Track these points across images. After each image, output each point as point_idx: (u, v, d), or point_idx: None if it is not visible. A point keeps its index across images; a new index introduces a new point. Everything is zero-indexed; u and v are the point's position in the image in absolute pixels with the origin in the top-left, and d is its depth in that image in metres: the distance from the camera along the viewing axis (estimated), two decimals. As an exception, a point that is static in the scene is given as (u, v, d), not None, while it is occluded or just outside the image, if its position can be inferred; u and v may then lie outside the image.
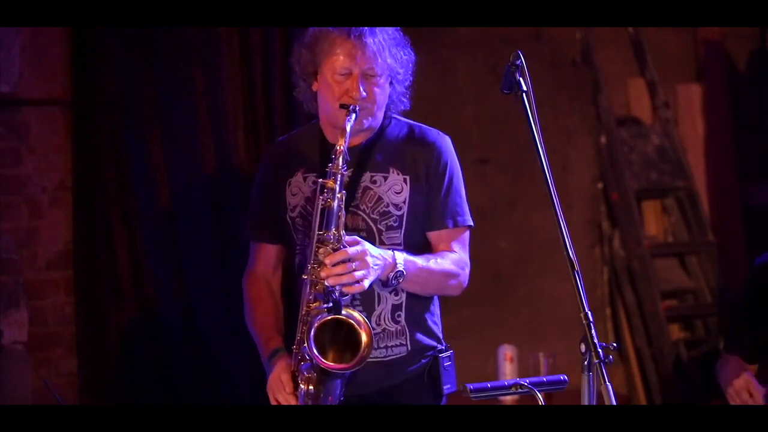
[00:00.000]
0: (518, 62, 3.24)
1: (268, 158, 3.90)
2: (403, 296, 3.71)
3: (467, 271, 3.78)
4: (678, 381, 6.47)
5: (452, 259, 3.73)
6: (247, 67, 5.38)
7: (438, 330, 3.81)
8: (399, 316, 3.71)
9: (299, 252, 3.75)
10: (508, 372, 5.47)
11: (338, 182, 3.55)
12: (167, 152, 5.33)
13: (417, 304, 3.74)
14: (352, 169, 3.67)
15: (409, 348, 3.73)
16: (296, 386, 3.61)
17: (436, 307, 3.82)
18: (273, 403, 3.65)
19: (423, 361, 3.76)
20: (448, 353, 3.79)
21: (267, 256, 3.86)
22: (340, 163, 3.55)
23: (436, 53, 6.28)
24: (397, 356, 3.72)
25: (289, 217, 3.76)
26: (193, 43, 5.34)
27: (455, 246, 3.76)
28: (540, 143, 3.17)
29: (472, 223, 3.80)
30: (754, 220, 6.76)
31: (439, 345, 3.79)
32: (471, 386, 3.23)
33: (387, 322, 3.70)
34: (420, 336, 3.75)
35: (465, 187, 3.80)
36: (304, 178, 3.75)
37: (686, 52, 6.89)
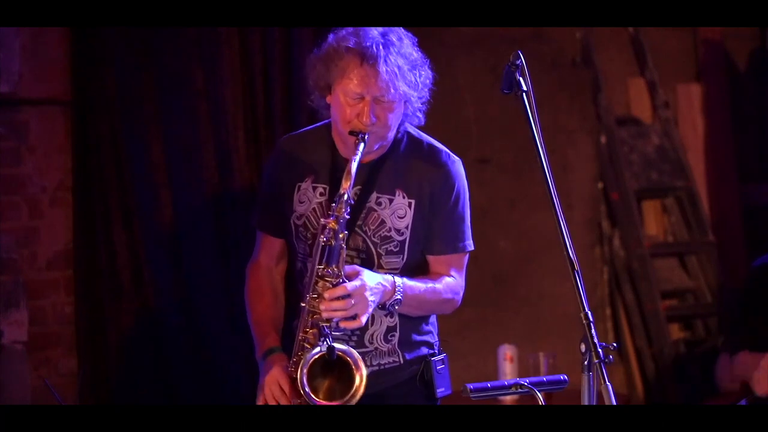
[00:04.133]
0: (518, 62, 3.24)
1: (279, 154, 3.84)
2: (397, 318, 3.71)
3: (462, 293, 3.77)
4: (678, 381, 6.47)
5: (449, 284, 3.72)
6: (247, 67, 5.37)
7: (432, 337, 3.81)
8: (392, 336, 3.71)
9: (300, 260, 3.74)
10: (508, 372, 5.46)
11: (340, 224, 3.52)
12: (167, 152, 5.33)
13: (411, 324, 3.74)
14: (359, 187, 3.65)
15: (401, 363, 3.74)
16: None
17: (433, 317, 3.82)
18: (261, 402, 3.64)
19: (415, 366, 3.76)
20: (441, 357, 3.78)
21: (271, 248, 3.85)
22: (343, 206, 3.53)
23: (436, 53, 6.24)
24: (390, 367, 3.72)
25: (294, 223, 3.74)
26: (193, 43, 5.34)
27: (453, 271, 3.74)
28: (540, 143, 3.17)
29: (473, 248, 3.78)
30: (754, 220, 6.76)
31: (431, 350, 3.79)
32: (471, 386, 3.23)
33: (379, 342, 3.70)
34: (413, 353, 3.75)
35: (470, 210, 3.78)
36: (314, 188, 3.73)
37: (686, 52, 6.89)
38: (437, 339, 3.82)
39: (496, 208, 6.39)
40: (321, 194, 3.70)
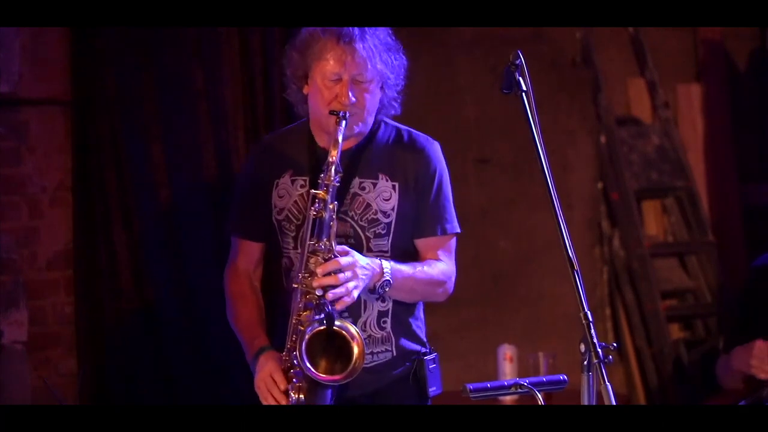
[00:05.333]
0: (518, 62, 3.24)
1: (256, 155, 3.88)
2: (390, 303, 3.72)
3: (453, 278, 3.78)
4: (678, 381, 6.47)
5: (439, 267, 3.74)
6: (247, 67, 5.38)
7: (422, 333, 3.82)
8: (385, 322, 3.72)
9: (285, 255, 3.75)
10: (508, 372, 5.47)
11: (330, 193, 3.55)
12: (167, 152, 5.34)
13: (402, 310, 3.75)
14: (341, 174, 3.67)
15: (394, 353, 3.74)
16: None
17: (420, 311, 3.83)
18: (264, 401, 3.65)
19: (407, 364, 3.77)
20: (432, 356, 3.79)
21: (250, 253, 3.86)
22: (332, 174, 3.55)
23: (436, 53, 6.28)
24: (382, 361, 3.72)
25: (276, 220, 3.76)
26: (192, 43, 5.34)
27: (442, 254, 3.76)
28: (540, 143, 3.17)
29: (459, 230, 3.79)
30: (754, 220, 6.76)
31: (423, 348, 3.80)
32: (471, 386, 3.23)
33: (372, 328, 3.71)
34: (405, 341, 3.76)
35: (453, 193, 3.80)
36: (292, 181, 3.74)
37: (686, 52, 6.88)
38: (426, 337, 3.83)
39: (496, 208, 6.39)
40: (302, 186, 3.72)
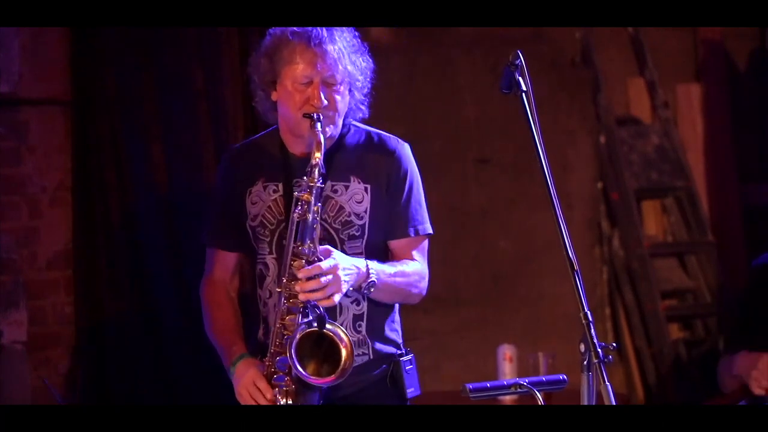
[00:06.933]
0: (518, 62, 3.24)
1: (227, 164, 3.86)
2: (365, 306, 3.71)
3: (427, 279, 3.78)
4: (678, 381, 6.48)
5: (415, 268, 3.73)
6: (247, 66, 5.37)
7: (398, 336, 3.80)
8: (360, 326, 3.71)
9: (260, 261, 3.74)
10: (507, 372, 5.47)
11: (314, 195, 3.55)
12: (167, 152, 5.34)
13: (378, 313, 3.74)
14: (324, 177, 3.65)
15: (371, 356, 3.72)
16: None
17: (396, 314, 3.81)
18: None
19: (384, 366, 3.75)
20: (408, 357, 3.78)
21: (225, 263, 3.84)
22: (316, 176, 3.55)
23: (436, 53, 6.29)
24: (359, 364, 3.69)
25: (250, 226, 3.74)
26: (193, 43, 5.34)
27: (416, 254, 3.76)
28: (540, 143, 3.17)
29: (431, 231, 3.79)
30: (754, 220, 6.77)
31: (399, 350, 3.79)
32: (470, 386, 3.23)
33: (348, 332, 3.67)
34: (381, 344, 3.74)
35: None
36: (264, 187, 3.73)
37: (686, 52, 6.89)
38: (402, 339, 3.82)
39: (496, 208, 6.40)
40: (274, 191, 3.71)
